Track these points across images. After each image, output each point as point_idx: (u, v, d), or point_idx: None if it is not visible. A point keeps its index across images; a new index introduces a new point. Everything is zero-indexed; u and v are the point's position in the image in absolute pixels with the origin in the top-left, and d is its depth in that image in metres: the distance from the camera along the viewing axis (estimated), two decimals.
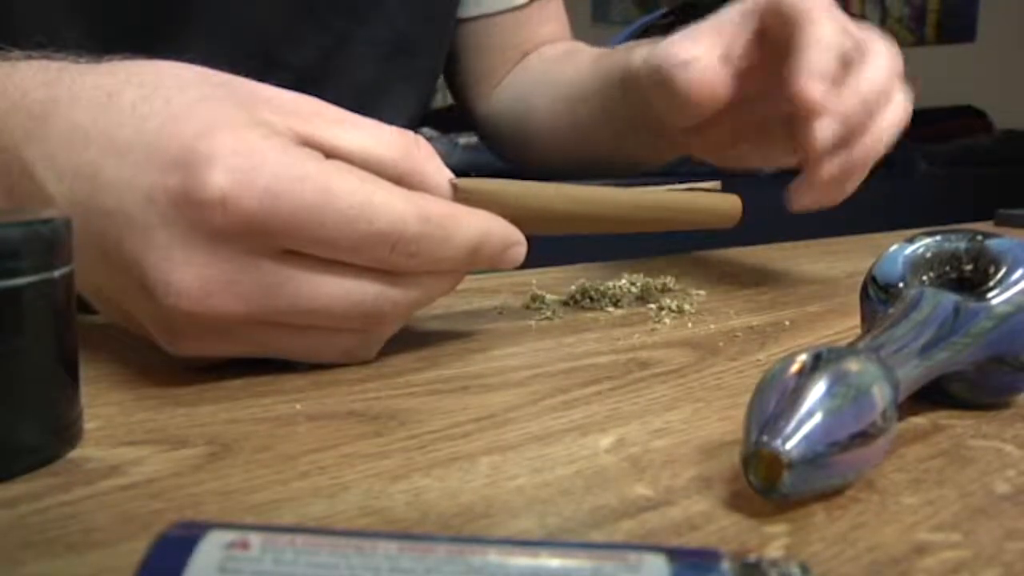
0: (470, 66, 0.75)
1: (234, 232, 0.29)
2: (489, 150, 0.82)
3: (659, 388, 0.33)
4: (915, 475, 0.25)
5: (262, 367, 0.34)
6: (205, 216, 0.29)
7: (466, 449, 0.27)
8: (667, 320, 0.44)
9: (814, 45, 0.43)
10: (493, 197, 0.35)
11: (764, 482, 0.22)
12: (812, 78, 0.42)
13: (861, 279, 0.32)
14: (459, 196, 0.34)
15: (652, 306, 0.46)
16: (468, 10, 0.72)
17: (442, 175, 0.34)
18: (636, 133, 0.59)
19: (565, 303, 0.47)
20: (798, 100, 0.42)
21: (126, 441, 0.27)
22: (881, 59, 0.45)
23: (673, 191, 0.43)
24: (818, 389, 0.22)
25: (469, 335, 0.41)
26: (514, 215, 0.36)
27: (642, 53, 0.51)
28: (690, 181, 0.43)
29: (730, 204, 0.44)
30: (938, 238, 0.31)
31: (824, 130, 0.42)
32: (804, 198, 0.45)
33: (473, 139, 1.64)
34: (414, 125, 0.69)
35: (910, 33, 3.45)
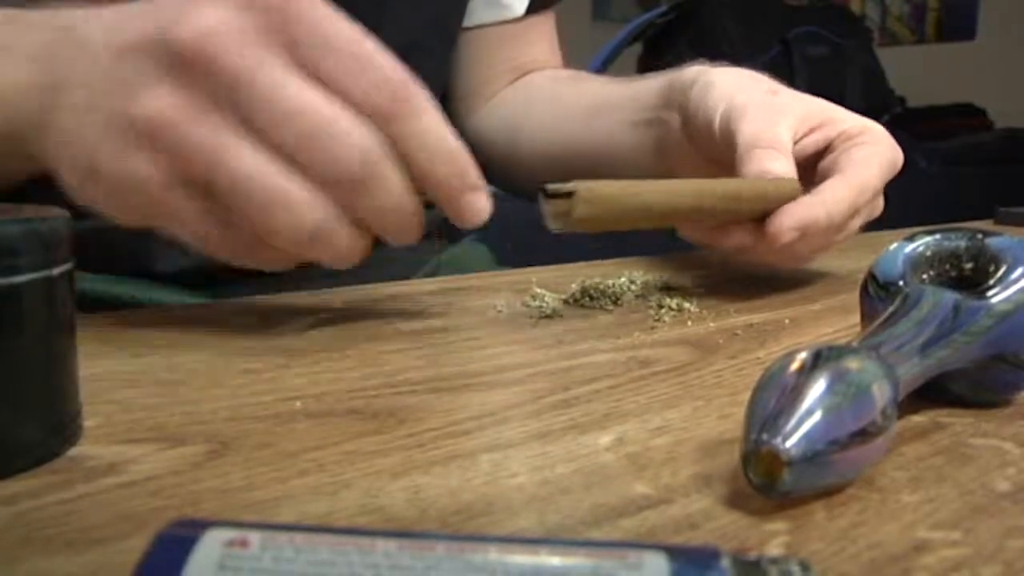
0: (461, 78, 0.75)
1: (261, 6, 0.32)
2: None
3: (659, 386, 0.33)
4: (915, 473, 0.25)
5: (262, 364, 0.34)
6: None
7: (466, 447, 0.27)
8: (667, 318, 0.44)
9: (826, 199, 0.45)
10: (608, 198, 0.37)
11: (764, 480, 0.22)
12: (793, 226, 0.44)
13: (861, 277, 0.32)
14: (577, 198, 0.36)
15: (652, 304, 0.46)
16: (463, 21, 0.72)
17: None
18: (663, 154, 0.59)
19: (565, 301, 0.47)
20: (771, 235, 0.44)
21: (125, 439, 0.27)
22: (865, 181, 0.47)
23: (745, 180, 0.45)
24: (818, 387, 0.22)
25: (469, 333, 0.41)
26: (626, 213, 0.38)
27: (718, 107, 0.51)
28: None
29: (793, 186, 0.46)
30: (938, 236, 0.31)
31: (787, 236, 0.44)
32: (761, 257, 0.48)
33: None
34: None
35: (910, 31, 3.44)
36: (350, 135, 0.33)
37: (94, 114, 0.33)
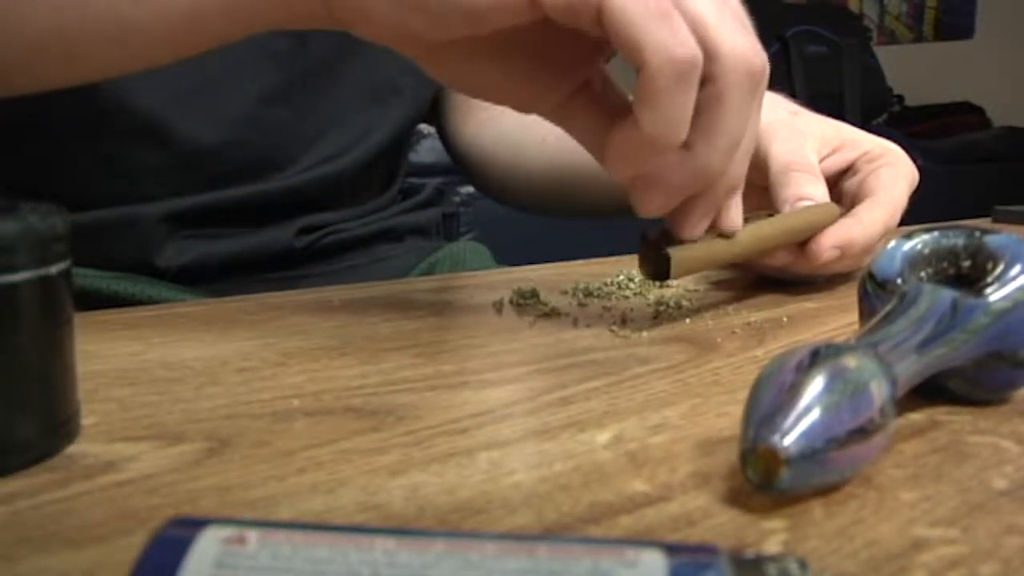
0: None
1: None
2: (469, 178, 0.78)
3: (657, 384, 0.33)
4: (913, 471, 0.25)
5: (260, 362, 0.34)
6: None
7: (464, 445, 0.27)
8: (665, 316, 0.44)
9: (863, 220, 0.48)
10: (703, 259, 0.41)
11: (762, 478, 0.22)
12: (834, 245, 0.46)
13: (859, 275, 0.32)
14: (676, 263, 0.38)
15: (650, 302, 0.46)
16: None
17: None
18: None
19: (563, 299, 0.47)
20: (812, 254, 0.46)
21: (123, 437, 0.27)
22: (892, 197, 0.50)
23: (796, 212, 0.48)
24: (816, 385, 0.22)
25: (467, 331, 0.41)
26: (709, 265, 0.43)
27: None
28: None
29: (834, 211, 0.48)
30: (936, 234, 0.31)
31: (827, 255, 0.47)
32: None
33: None
34: (421, 120, 0.68)
35: (908, 30, 3.44)
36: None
37: None
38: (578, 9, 0.31)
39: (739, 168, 0.37)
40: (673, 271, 0.38)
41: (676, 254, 0.38)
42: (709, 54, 0.32)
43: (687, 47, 0.31)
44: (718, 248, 0.41)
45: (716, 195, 0.38)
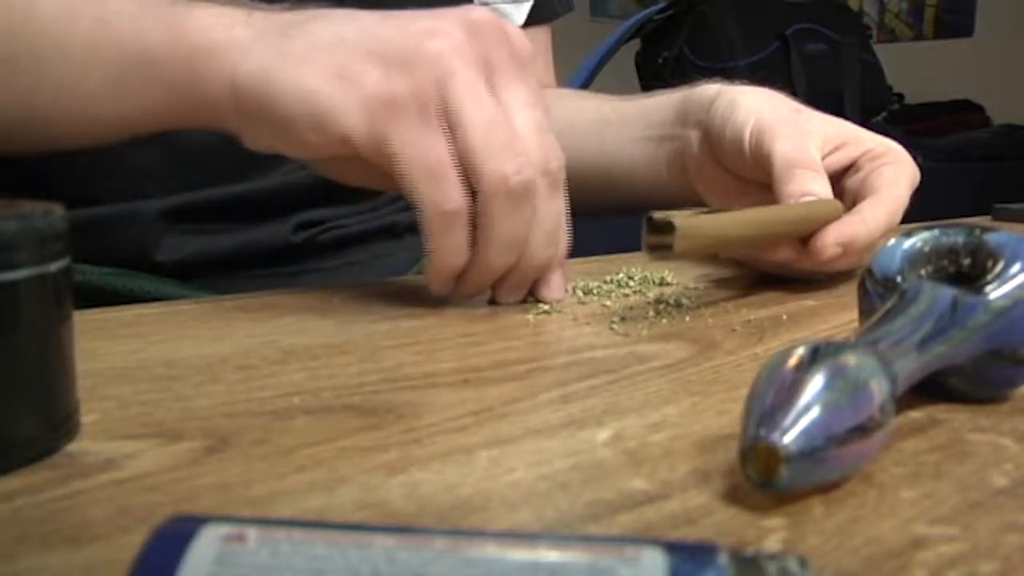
0: None
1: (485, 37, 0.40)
2: None
3: (657, 382, 0.33)
4: (913, 469, 0.25)
5: (260, 360, 0.34)
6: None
7: (464, 442, 0.27)
8: (665, 314, 0.44)
9: (866, 218, 0.48)
10: (704, 234, 0.40)
11: (762, 476, 0.22)
12: (837, 242, 0.46)
13: (859, 273, 0.32)
14: (677, 235, 0.38)
15: (650, 300, 0.46)
16: None
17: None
18: (674, 169, 0.60)
19: (563, 297, 0.47)
20: (816, 251, 0.46)
21: (123, 434, 0.27)
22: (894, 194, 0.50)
23: (800, 204, 0.48)
24: (816, 383, 0.22)
25: (467, 329, 0.41)
26: (716, 246, 0.44)
27: (748, 123, 0.53)
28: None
29: (837, 207, 0.49)
30: (936, 232, 0.31)
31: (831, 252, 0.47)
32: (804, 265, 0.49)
33: None
34: None
35: (908, 28, 3.44)
36: (529, 155, 0.40)
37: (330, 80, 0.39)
38: (377, 160, 0.39)
39: (542, 252, 0.42)
40: (677, 243, 0.38)
41: (681, 222, 0.38)
42: (474, 176, 0.39)
43: (452, 203, 0.39)
44: (720, 222, 0.42)
45: (522, 274, 0.43)
